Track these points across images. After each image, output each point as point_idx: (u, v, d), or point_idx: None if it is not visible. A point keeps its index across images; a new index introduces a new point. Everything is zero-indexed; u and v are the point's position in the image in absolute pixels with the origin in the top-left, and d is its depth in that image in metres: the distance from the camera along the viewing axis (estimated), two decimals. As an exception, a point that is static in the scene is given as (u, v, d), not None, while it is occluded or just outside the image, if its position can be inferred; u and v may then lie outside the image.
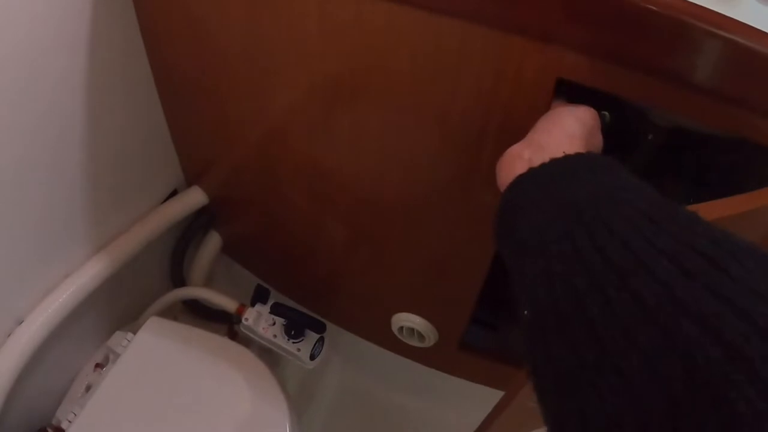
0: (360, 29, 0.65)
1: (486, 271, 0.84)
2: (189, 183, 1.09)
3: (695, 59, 0.54)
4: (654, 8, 0.50)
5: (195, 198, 1.06)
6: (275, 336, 0.99)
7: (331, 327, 1.09)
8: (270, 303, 1.00)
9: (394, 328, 0.99)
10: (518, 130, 0.65)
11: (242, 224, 1.11)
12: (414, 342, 1.00)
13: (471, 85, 0.64)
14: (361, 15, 0.63)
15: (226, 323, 1.15)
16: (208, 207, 1.08)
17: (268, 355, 1.10)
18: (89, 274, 0.93)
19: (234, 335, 1.11)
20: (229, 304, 1.03)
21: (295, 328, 0.98)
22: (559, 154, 0.43)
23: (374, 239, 0.91)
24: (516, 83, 0.62)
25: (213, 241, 1.13)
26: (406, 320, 0.96)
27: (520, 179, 0.43)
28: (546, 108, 0.63)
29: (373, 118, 0.74)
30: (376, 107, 0.72)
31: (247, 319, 1.00)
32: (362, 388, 1.22)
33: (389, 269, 0.94)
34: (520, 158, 0.47)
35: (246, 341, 1.05)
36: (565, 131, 0.50)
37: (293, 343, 0.98)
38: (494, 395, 1.12)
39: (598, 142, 0.54)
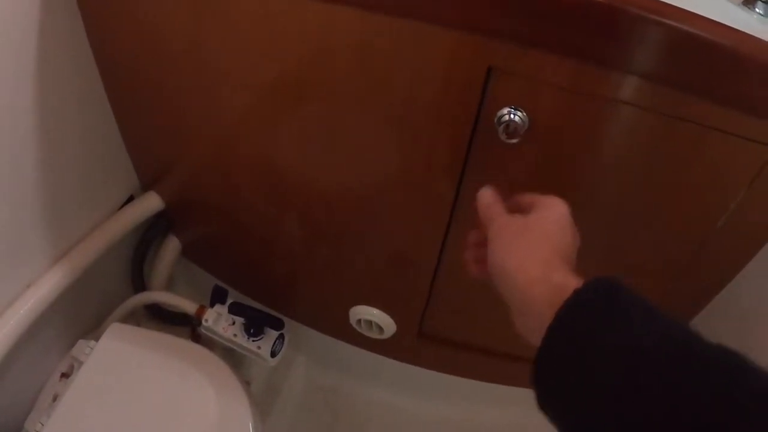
0: (300, 30, 0.67)
1: (436, 262, 0.87)
2: (145, 188, 1.09)
3: (630, 44, 0.57)
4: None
5: (151, 203, 1.07)
6: (235, 335, 1.00)
7: (293, 325, 1.10)
8: (229, 303, 1.01)
9: (353, 321, 1.01)
10: (454, 119, 0.68)
11: (200, 227, 1.12)
12: (373, 334, 1.02)
13: (409, 79, 0.67)
14: (300, 16, 0.65)
15: (188, 326, 1.15)
16: (165, 211, 1.09)
17: (231, 356, 1.11)
18: (50, 283, 0.93)
19: (197, 338, 1.12)
20: (188, 307, 1.04)
21: (254, 327, 0.99)
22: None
23: (329, 235, 0.93)
24: (449, 74, 0.65)
25: (172, 245, 1.14)
26: (363, 313, 0.98)
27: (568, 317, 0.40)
28: (477, 97, 0.66)
29: (322, 115, 0.75)
30: (324, 105, 0.74)
31: (207, 320, 1.01)
32: (328, 384, 1.24)
33: (345, 263, 0.96)
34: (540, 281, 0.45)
35: (209, 343, 1.06)
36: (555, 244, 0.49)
37: (253, 341, 0.99)
38: (460, 383, 1.16)
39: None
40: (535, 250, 0.48)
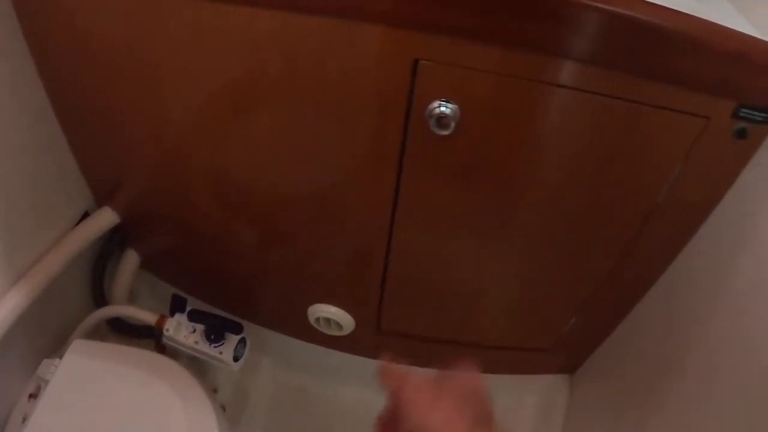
0: (231, 38, 0.68)
1: (385, 256, 0.89)
2: (99, 204, 1.09)
3: (556, 27, 0.60)
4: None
5: (106, 218, 1.07)
6: (197, 342, 1.01)
7: (256, 329, 1.11)
8: (188, 311, 1.02)
9: (312, 320, 1.03)
10: (386, 114, 0.70)
11: (156, 238, 1.13)
12: (333, 331, 1.04)
13: (340, 77, 0.68)
14: (229, 23, 0.66)
15: (153, 338, 1.16)
16: (121, 225, 1.09)
17: (197, 364, 1.12)
18: (9, 306, 0.92)
19: (162, 349, 1.12)
20: (149, 318, 1.05)
21: (214, 333, 1.00)
22: None
23: (282, 236, 0.95)
24: (377, 70, 0.67)
25: (130, 259, 1.14)
26: (321, 311, 1.00)
27: None
28: (406, 91, 0.68)
29: (263, 120, 0.77)
30: (263, 109, 0.76)
31: (167, 330, 1.01)
32: (296, 385, 1.25)
33: (299, 263, 0.97)
34: None
35: (175, 353, 1.06)
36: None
37: (215, 347, 1.00)
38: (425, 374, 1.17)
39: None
40: (458, 413, 0.46)
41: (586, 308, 1.00)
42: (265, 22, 0.65)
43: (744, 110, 0.68)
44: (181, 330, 1.02)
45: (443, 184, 0.78)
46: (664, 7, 0.60)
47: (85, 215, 1.09)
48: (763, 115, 0.68)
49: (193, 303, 1.05)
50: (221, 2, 0.64)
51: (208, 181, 0.91)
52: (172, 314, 1.03)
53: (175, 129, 0.84)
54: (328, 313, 1.00)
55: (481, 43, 0.63)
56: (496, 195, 0.80)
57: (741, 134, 0.71)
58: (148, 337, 1.18)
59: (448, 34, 0.62)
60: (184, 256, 1.11)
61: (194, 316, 1.01)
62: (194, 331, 1.02)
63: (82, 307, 1.17)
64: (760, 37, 0.65)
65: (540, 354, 1.13)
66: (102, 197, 1.09)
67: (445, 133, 0.70)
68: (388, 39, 0.64)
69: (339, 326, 1.02)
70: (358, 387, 1.22)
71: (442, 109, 0.68)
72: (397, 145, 0.74)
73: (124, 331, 1.21)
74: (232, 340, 1.01)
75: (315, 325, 1.04)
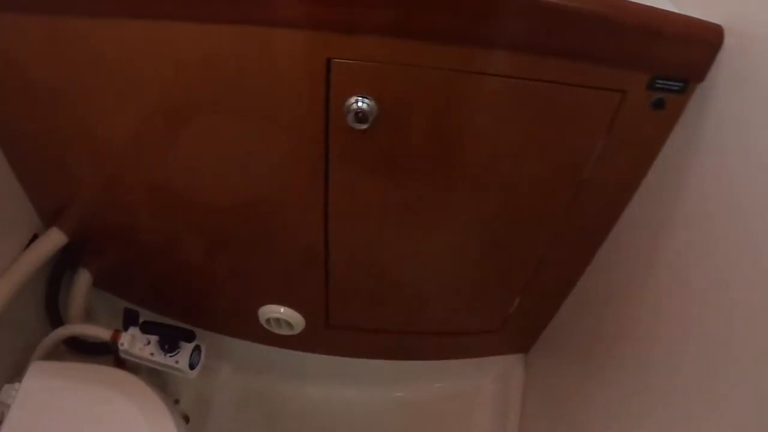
0: (154, 53, 0.70)
1: (324, 252, 0.92)
2: (47, 225, 1.11)
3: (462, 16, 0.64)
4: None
5: (54, 240, 1.08)
6: (152, 354, 1.02)
7: (210, 335, 1.13)
8: (140, 323, 1.04)
9: (263, 321, 1.06)
10: (308, 114, 0.72)
11: (105, 255, 1.14)
12: (284, 331, 1.06)
13: (261, 81, 0.71)
14: (151, 37, 0.69)
15: (111, 354, 1.17)
16: (70, 245, 1.11)
17: (157, 376, 1.14)
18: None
19: (122, 364, 1.14)
20: (103, 334, 1.06)
21: (168, 342, 1.02)
22: None
23: (225, 241, 0.97)
24: (293, 71, 0.70)
25: (83, 278, 1.16)
26: (271, 312, 1.03)
27: None
28: (323, 90, 0.71)
29: (196, 130, 0.79)
30: (194, 120, 0.78)
31: (122, 344, 1.03)
32: (257, 388, 1.27)
33: (244, 266, 1.00)
34: None
35: (134, 367, 1.08)
36: None
37: (170, 356, 1.02)
38: (381, 365, 1.21)
39: None
40: None
41: (529, 287, 1.04)
42: (185, 35, 0.68)
43: (659, 81, 0.71)
44: (136, 343, 1.04)
45: (370, 178, 0.82)
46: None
47: (34, 238, 1.10)
48: (679, 84, 0.71)
49: (146, 315, 1.07)
50: (143, 19, 0.67)
51: (149, 195, 0.93)
52: (125, 328, 1.05)
53: (113, 148, 0.86)
54: (277, 313, 1.02)
55: (393, 38, 0.66)
56: (422, 184, 0.83)
57: (658, 104, 0.73)
58: (106, 353, 1.20)
59: (358, 32, 0.66)
60: (134, 270, 1.13)
61: (147, 328, 1.03)
62: (149, 343, 1.04)
63: (39, 328, 1.17)
64: (676, 10, 0.68)
65: (491, 336, 1.17)
66: (49, 219, 1.10)
67: (364, 127, 0.73)
68: (301, 41, 0.67)
69: (290, 325, 1.04)
70: (318, 385, 1.25)
71: (359, 104, 0.71)
72: (321, 143, 0.77)
73: (82, 349, 1.21)
74: (187, 348, 1.03)
75: (267, 326, 1.07)
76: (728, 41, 0.67)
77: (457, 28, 0.65)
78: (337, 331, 1.07)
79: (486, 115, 0.75)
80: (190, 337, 1.01)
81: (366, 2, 0.63)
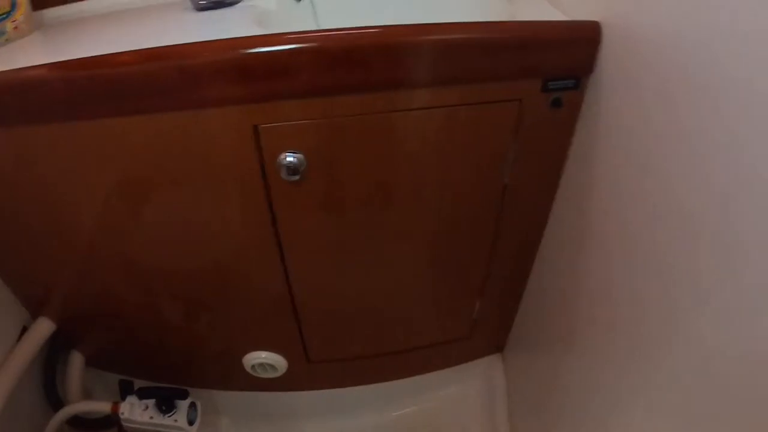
0: (109, 145, 0.79)
1: (289, 294, 0.99)
2: (34, 316, 1.17)
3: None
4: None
5: (43, 328, 1.15)
6: (152, 417, 1.09)
7: (206, 393, 1.19)
8: (136, 390, 1.11)
9: (248, 369, 1.12)
10: (248, 174, 0.80)
11: (93, 334, 1.20)
12: (270, 374, 1.13)
13: (206, 155, 0.80)
14: (103, 133, 0.77)
15: (114, 425, 1.23)
16: (59, 330, 1.17)
17: (161, 438, 1.20)
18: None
19: (126, 433, 1.20)
20: (104, 407, 1.13)
21: (164, 403, 1.09)
22: None
23: (201, 304, 1.04)
24: (228, 141, 0.79)
25: (76, 359, 1.22)
26: (254, 358, 1.10)
27: None
28: (255, 152, 0.79)
29: (157, 207, 0.87)
30: (154, 198, 0.86)
31: (123, 413, 1.10)
32: (258, 434, 1.34)
33: (222, 321, 1.07)
34: None
35: (138, 433, 1.14)
36: None
37: (169, 416, 1.09)
38: (371, 390, 1.27)
39: None
40: None
41: (485, 290, 1.11)
42: (134, 126, 0.76)
43: (551, 83, 0.78)
44: (135, 410, 1.11)
45: (313, 221, 0.90)
46: (438, 24, 0.72)
47: (24, 330, 1.16)
48: (571, 81, 0.78)
49: (139, 383, 1.14)
50: (92, 119, 0.75)
51: (124, 271, 1.00)
52: (123, 398, 1.12)
53: (84, 236, 0.93)
54: (260, 358, 1.10)
55: (310, 98, 0.75)
56: (362, 217, 0.92)
57: (557, 103, 0.81)
58: (110, 426, 1.26)
59: (277, 99, 0.75)
60: (122, 343, 1.19)
61: (143, 393, 1.09)
62: (147, 408, 1.10)
63: (42, 413, 1.23)
64: (564, 18, 0.75)
65: (464, 342, 1.25)
66: (35, 309, 1.16)
67: (296, 178, 0.82)
68: (229, 115, 0.76)
69: (274, 368, 1.11)
70: (313, 419, 1.31)
71: (289, 159, 0.80)
72: (263, 198, 0.85)
73: (85, 426, 1.27)
74: (183, 406, 1.10)
75: (253, 373, 1.14)
76: (607, 34, 0.72)
77: (367, 80, 0.74)
78: (319, 365, 1.14)
79: (404, 146, 0.83)
80: (183, 395, 1.08)
81: (281, 77, 0.72)
